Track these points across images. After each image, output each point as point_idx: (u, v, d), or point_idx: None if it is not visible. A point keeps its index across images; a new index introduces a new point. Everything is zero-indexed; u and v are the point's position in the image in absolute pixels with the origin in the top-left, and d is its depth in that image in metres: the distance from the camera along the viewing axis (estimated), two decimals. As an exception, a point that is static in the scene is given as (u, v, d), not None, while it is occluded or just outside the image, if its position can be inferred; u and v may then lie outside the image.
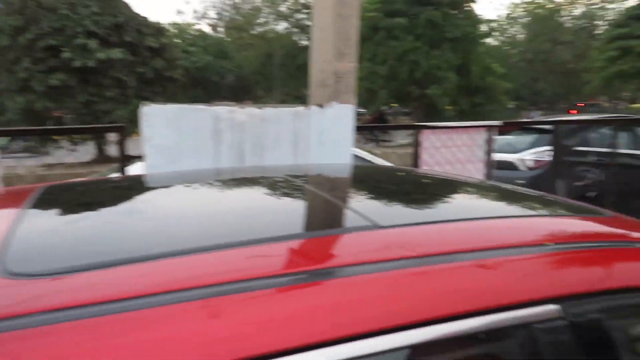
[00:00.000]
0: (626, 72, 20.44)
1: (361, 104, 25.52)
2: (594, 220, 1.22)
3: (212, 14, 34.13)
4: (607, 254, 1.00)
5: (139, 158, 2.63)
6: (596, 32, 32.44)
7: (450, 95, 21.33)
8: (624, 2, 30.98)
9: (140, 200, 1.36)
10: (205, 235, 0.95)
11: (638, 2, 23.25)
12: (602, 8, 33.85)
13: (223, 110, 2.74)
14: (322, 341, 0.66)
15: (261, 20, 29.11)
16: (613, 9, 32.28)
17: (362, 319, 0.71)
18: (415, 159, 3.70)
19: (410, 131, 3.80)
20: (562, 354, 0.80)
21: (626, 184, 4.72)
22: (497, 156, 4.34)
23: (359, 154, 4.10)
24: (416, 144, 3.69)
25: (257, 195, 1.39)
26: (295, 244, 0.89)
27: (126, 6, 13.28)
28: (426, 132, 3.70)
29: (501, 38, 38.22)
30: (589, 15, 34.60)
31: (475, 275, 0.84)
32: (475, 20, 22.90)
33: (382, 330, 0.69)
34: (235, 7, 30.10)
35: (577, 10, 35.10)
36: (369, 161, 4.12)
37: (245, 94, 26.33)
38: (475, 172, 3.93)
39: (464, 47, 21.57)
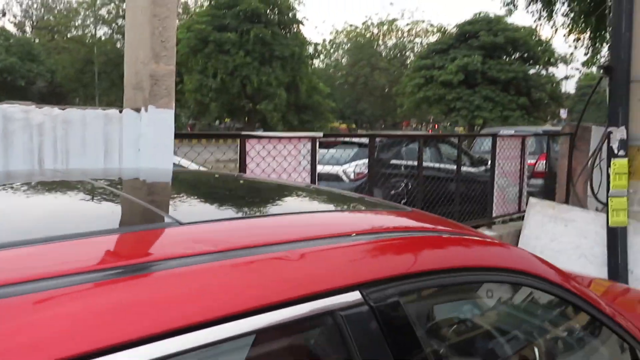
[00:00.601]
0: (430, 97, 23.37)
1: (192, 116, 24.90)
2: (397, 214, 1.30)
3: (17, 11, 30.25)
4: (408, 241, 1.06)
5: None
6: (407, 61, 36.64)
7: (281, 111, 22.04)
8: (428, 37, 35.73)
9: None
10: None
11: (437, 39, 26.95)
12: (411, 41, 38.50)
13: (15, 110, 2.38)
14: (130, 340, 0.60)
15: (78, 23, 26.63)
16: (420, 42, 36.99)
17: (163, 318, 0.65)
18: (241, 168, 3.65)
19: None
20: (369, 338, 0.81)
21: (431, 193, 5.31)
22: (323, 168, 4.51)
23: (182, 164, 3.92)
24: (242, 154, 3.65)
25: (54, 197, 1.29)
26: (90, 241, 0.80)
27: None
28: (252, 141, 3.69)
29: (327, 61, 40.95)
30: (400, 46, 39.00)
31: (281, 266, 0.82)
32: (302, 41, 24.11)
33: (183, 329, 0.64)
34: (45, 5, 27.04)
35: (391, 41, 39.38)
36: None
37: (60, 101, 23.81)
38: (301, 181, 4.03)
39: (293, 65, 22.54)
